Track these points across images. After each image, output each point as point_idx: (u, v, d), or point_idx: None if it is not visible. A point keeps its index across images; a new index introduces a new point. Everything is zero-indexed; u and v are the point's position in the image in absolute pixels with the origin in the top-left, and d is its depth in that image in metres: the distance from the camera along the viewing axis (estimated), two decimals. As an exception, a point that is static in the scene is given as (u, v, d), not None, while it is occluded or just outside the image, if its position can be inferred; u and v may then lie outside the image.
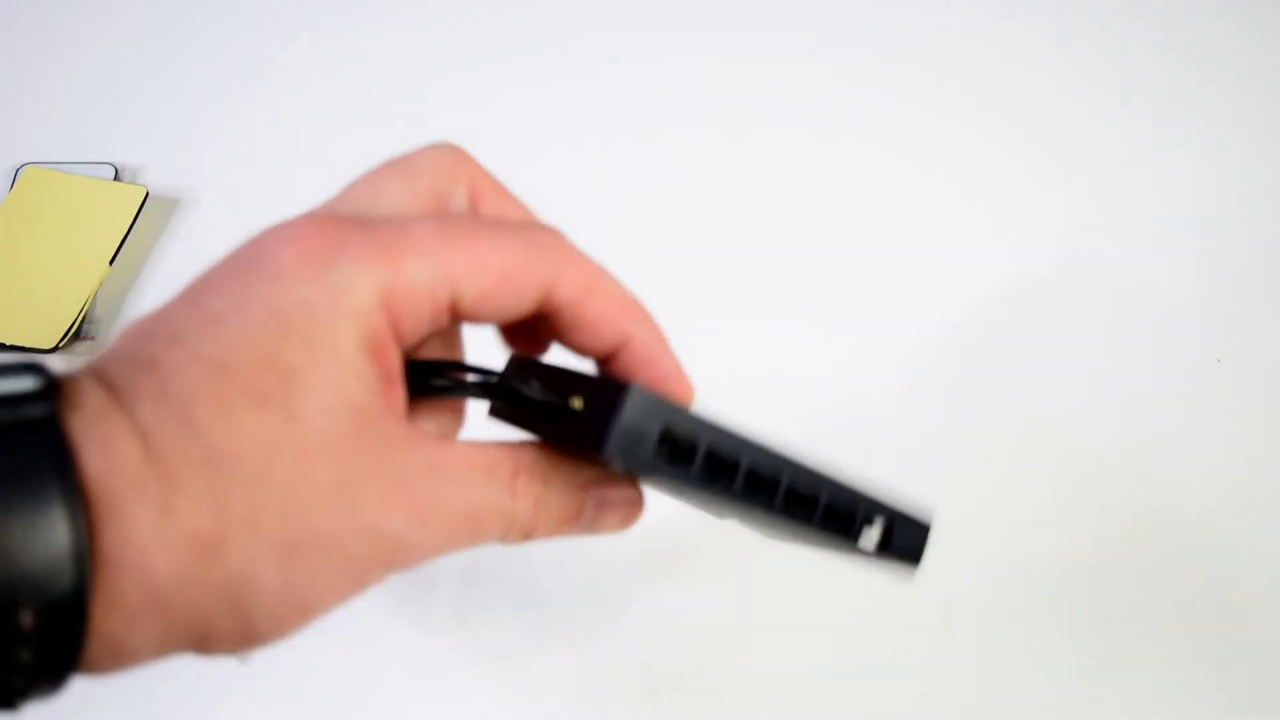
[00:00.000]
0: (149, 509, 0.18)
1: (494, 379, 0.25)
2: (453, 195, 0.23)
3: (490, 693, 0.43)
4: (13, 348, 0.51)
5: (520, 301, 0.22)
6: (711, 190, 0.59)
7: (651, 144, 0.62)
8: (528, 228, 0.23)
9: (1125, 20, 0.68)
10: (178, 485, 0.18)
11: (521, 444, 0.24)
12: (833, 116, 0.63)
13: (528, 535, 0.24)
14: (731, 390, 0.49)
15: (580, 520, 0.25)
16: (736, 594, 0.46)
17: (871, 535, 0.26)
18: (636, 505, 0.26)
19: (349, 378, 0.20)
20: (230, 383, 0.19)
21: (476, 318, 0.22)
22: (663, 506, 0.28)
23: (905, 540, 0.27)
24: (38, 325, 0.51)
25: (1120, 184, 0.60)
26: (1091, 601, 0.46)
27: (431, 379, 0.24)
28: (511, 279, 0.22)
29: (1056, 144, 0.62)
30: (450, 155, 0.23)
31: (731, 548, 0.46)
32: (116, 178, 0.58)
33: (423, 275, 0.21)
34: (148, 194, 0.56)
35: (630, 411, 0.22)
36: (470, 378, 0.25)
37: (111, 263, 0.54)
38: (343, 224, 0.21)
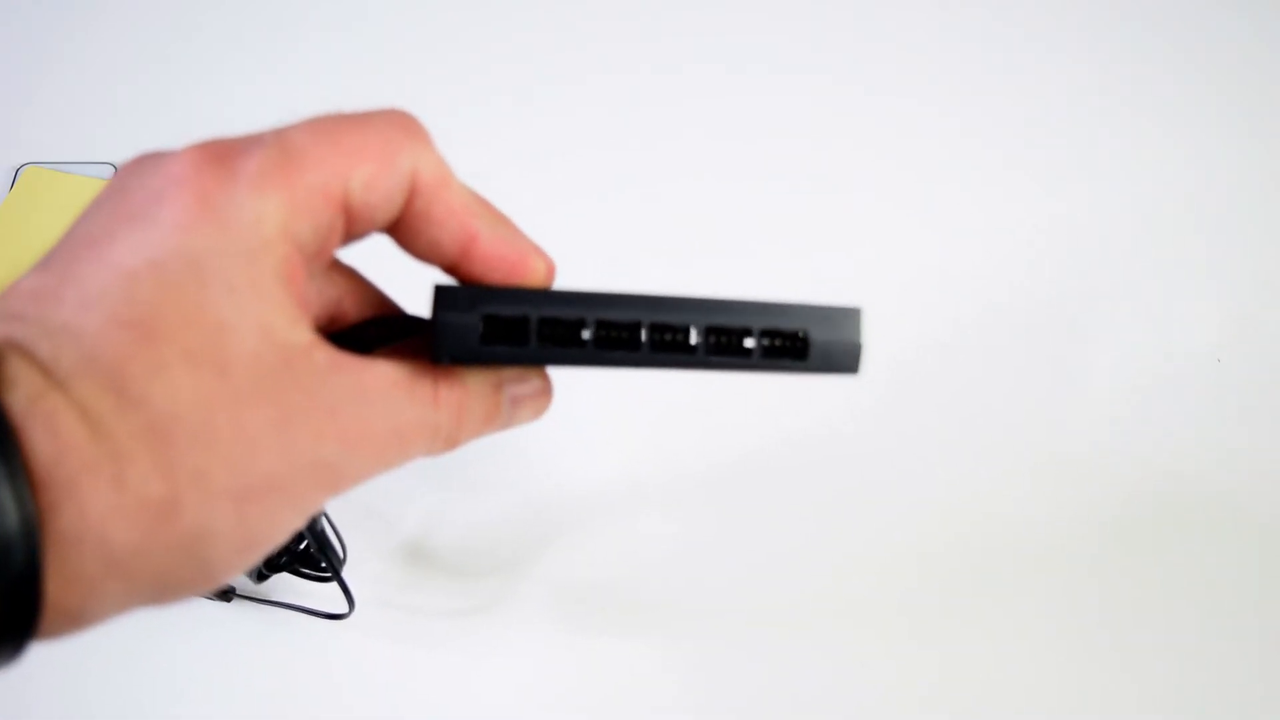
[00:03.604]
0: (102, 485, 0.18)
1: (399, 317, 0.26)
2: (398, 161, 0.23)
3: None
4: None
5: (401, 181, 0.23)
6: (706, 200, 0.59)
7: (648, 151, 0.62)
8: (388, 110, 0.23)
9: (1125, 18, 0.68)
10: (126, 457, 0.19)
11: None
12: (825, 122, 0.63)
13: (452, 443, 0.24)
14: (722, 403, 0.50)
15: (499, 418, 0.25)
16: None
17: (787, 346, 0.24)
18: (546, 394, 0.27)
19: (273, 316, 0.20)
20: (158, 346, 0.19)
21: (367, 209, 0.22)
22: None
23: (833, 337, 0.24)
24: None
25: (1120, 184, 0.60)
26: (1091, 601, 0.46)
27: (366, 339, 0.25)
28: (390, 159, 0.22)
29: (1055, 144, 0.62)
30: (404, 121, 0.23)
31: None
32: (116, 178, 0.58)
33: (316, 180, 0.21)
34: (148, 194, 0.56)
35: (442, 311, 0.22)
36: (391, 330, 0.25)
37: (111, 263, 0.54)
38: (225, 153, 0.21)
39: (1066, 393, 0.52)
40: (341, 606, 0.42)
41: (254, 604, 0.44)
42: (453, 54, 0.66)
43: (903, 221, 0.59)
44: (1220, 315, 0.55)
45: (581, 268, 0.51)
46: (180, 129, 0.62)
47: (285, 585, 0.44)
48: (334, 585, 0.42)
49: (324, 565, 0.42)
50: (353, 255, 0.25)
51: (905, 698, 0.44)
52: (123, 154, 0.64)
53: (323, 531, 0.41)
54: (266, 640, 0.44)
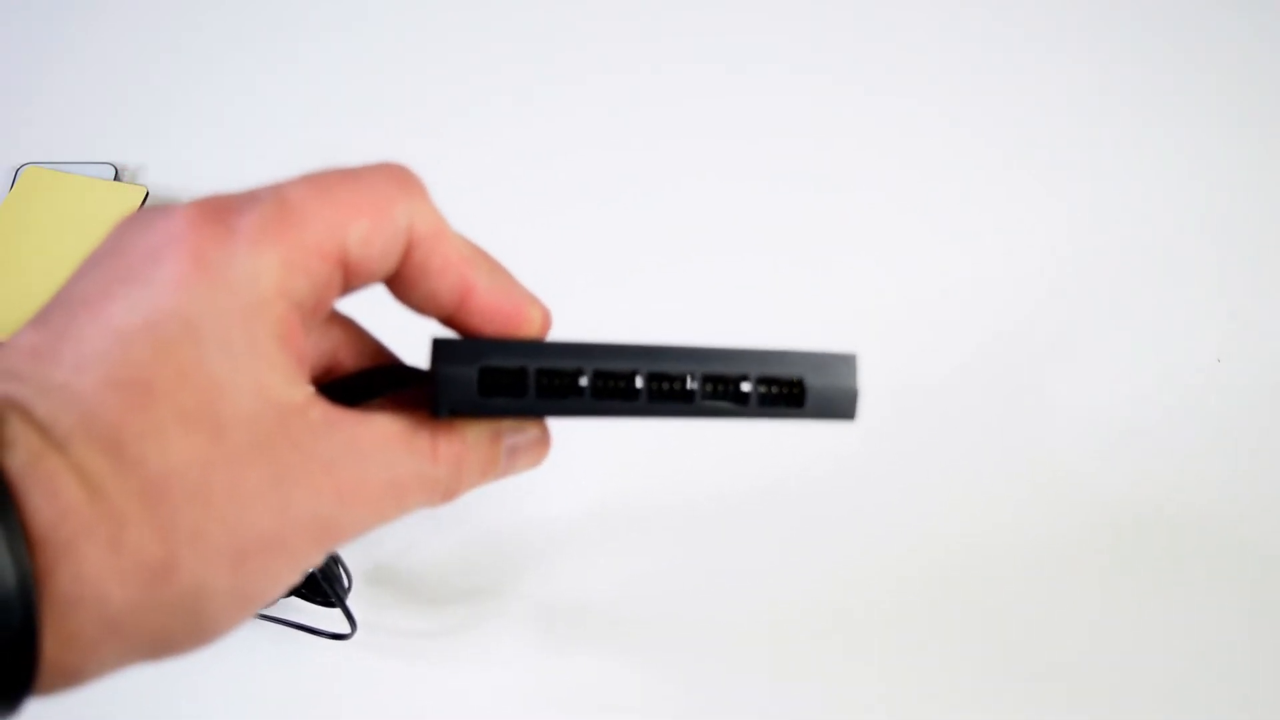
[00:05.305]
0: (99, 547, 0.18)
1: (393, 368, 0.26)
2: (394, 215, 0.23)
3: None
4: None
5: (398, 235, 0.22)
6: (706, 200, 0.59)
7: (649, 152, 0.62)
8: (383, 165, 0.23)
9: (1125, 20, 0.68)
10: (123, 519, 0.19)
11: None
12: (825, 123, 0.63)
13: (450, 495, 0.24)
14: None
15: (497, 468, 0.25)
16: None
17: (782, 393, 0.24)
18: (544, 443, 0.27)
19: (269, 375, 0.21)
20: (154, 407, 0.19)
21: (365, 264, 0.22)
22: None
23: (828, 383, 0.24)
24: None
25: (1120, 184, 0.60)
26: (1091, 601, 0.46)
27: (362, 389, 0.25)
28: (386, 213, 0.22)
29: (1056, 145, 0.62)
30: (400, 174, 0.23)
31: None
32: (116, 178, 0.58)
33: (313, 237, 0.21)
34: (148, 194, 0.56)
35: (442, 364, 0.22)
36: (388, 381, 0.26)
37: (111, 263, 0.54)
38: (222, 211, 0.21)
39: (1066, 392, 0.52)
40: (343, 627, 0.42)
41: (258, 621, 0.44)
42: (453, 53, 0.66)
43: (901, 220, 0.58)
44: (1220, 315, 0.55)
45: (585, 267, 0.51)
46: (179, 129, 0.62)
47: (285, 603, 0.44)
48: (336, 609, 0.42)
49: (330, 591, 0.42)
50: (347, 304, 0.25)
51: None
52: (123, 154, 0.64)
53: (329, 561, 0.42)
54: (264, 656, 0.44)
